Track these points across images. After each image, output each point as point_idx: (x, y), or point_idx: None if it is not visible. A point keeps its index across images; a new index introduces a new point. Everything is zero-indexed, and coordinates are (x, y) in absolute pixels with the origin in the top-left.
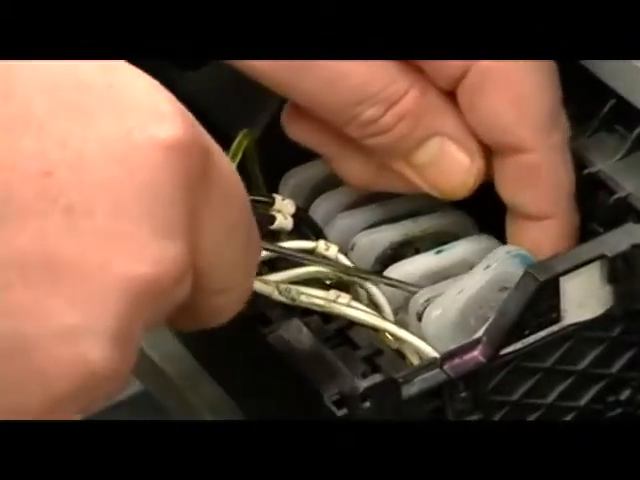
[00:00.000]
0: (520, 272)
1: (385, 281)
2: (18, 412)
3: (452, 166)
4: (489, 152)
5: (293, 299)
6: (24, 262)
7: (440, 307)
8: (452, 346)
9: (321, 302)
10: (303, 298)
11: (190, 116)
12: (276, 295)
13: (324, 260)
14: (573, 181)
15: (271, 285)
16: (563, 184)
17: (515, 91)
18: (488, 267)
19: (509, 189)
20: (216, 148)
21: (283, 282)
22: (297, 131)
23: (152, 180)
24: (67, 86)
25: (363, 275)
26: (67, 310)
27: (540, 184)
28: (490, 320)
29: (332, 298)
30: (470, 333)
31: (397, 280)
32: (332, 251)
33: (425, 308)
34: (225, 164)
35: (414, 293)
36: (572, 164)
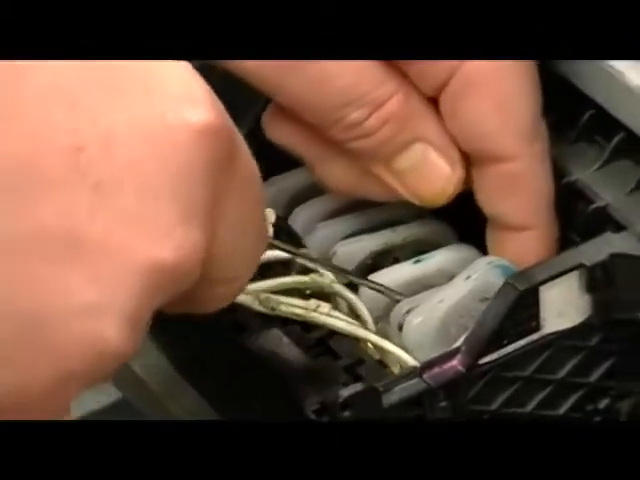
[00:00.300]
0: (501, 282)
1: (370, 285)
2: (25, 385)
3: (433, 173)
4: (469, 161)
5: (273, 308)
6: (47, 235)
7: (421, 315)
8: (433, 355)
9: (301, 311)
10: (283, 307)
11: (220, 104)
12: (256, 305)
13: (316, 263)
14: (553, 191)
15: (251, 295)
16: (544, 194)
17: (498, 98)
18: (469, 277)
19: (490, 198)
20: (240, 138)
21: (263, 291)
22: (279, 133)
23: (182, 163)
24: (100, 63)
25: (351, 278)
26: (87, 287)
27: (521, 193)
28: (470, 329)
29: (312, 307)
30: (451, 342)
31: (382, 285)
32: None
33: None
34: (247, 154)
35: (397, 300)
36: (552, 174)
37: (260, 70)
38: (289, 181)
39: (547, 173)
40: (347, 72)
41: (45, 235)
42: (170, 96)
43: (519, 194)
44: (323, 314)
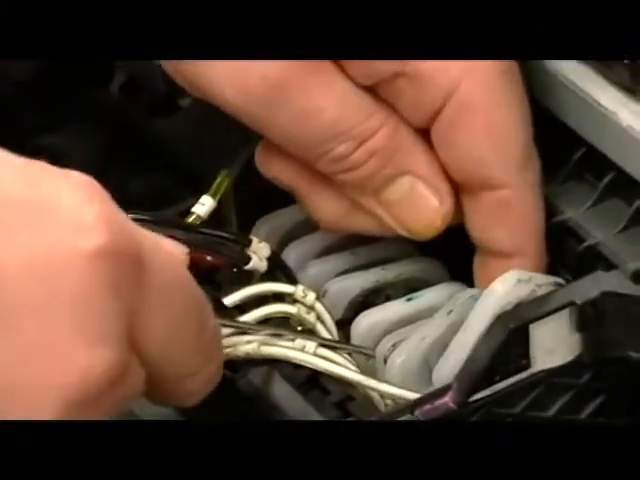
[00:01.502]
0: None
1: (342, 347)
2: None
3: (421, 206)
4: (459, 191)
5: (253, 354)
6: None
7: (404, 353)
8: (417, 391)
9: (282, 352)
10: (264, 350)
11: (119, 223)
12: (239, 352)
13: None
14: (543, 219)
15: (229, 350)
16: (534, 221)
17: (491, 126)
18: (451, 312)
19: (480, 225)
20: (150, 248)
21: (249, 323)
22: (270, 168)
23: (79, 291)
24: None
25: (321, 341)
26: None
27: (512, 220)
28: (448, 371)
29: (298, 348)
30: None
31: (354, 345)
32: (310, 298)
33: (391, 353)
34: (162, 263)
35: (370, 355)
36: (543, 202)
37: (247, 107)
38: (282, 219)
39: (538, 201)
40: (333, 105)
41: None
42: (60, 227)
43: (510, 221)
44: (309, 354)
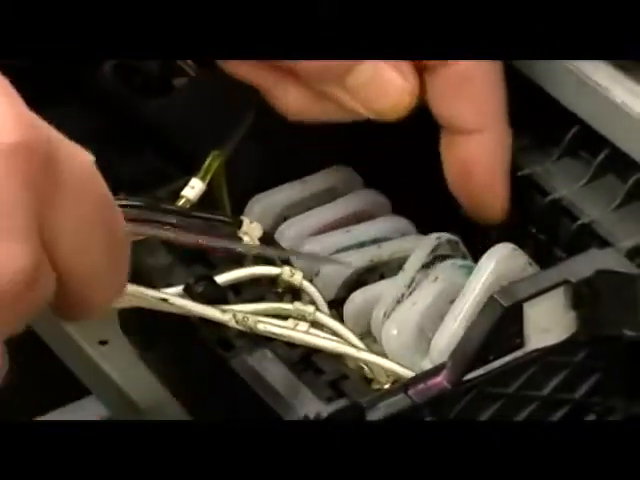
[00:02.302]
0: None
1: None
2: None
3: (386, 86)
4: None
5: (251, 328)
6: None
7: (396, 325)
8: (416, 361)
9: (279, 330)
10: (260, 326)
11: (29, 119)
12: (233, 324)
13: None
14: (505, 96)
15: (228, 313)
16: (495, 97)
17: None
18: (436, 279)
19: (441, 101)
20: (64, 148)
21: (242, 312)
22: (233, 66)
23: None
24: None
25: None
26: None
27: (470, 95)
28: (447, 340)
29: (291, 326)
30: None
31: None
32: (297, 277)
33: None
34: (74, 163)
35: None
36: (501, 77)
37: None
38: (275, 198)
39: (500, 76)
40: None
41: None
42: None
43: (469, 96)
44: (301, 332)
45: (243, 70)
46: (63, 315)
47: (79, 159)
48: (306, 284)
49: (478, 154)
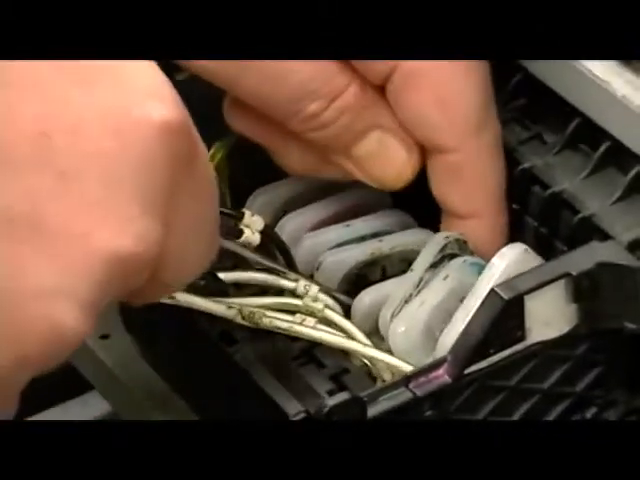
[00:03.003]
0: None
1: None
2: None
3: (390, 158)
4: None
5: (257, 323)
6: (11, 217)
7: (404, 323)
8: (423, 359)
9: (286, 325)
10: (266, 321)
11: (182, 104)
12: (239, 319)
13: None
14: (503, 180)
15: (234, 309)
16: (488, 185)
17: (438, 92)
18: (447, 277)
19: (436, 186)
20: (199, 139)
21: (248, 306)
22: (238, 123)
23: (145, 156)
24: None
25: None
26: (47, 271)
27: (464, 184)
28: (455, 338)
29: (298, 321)
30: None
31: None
32: (313, 291)
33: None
34: (206, 158)
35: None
36: (503, 165)
37: (218, 69)
38: (276, 191)
39: (495, 164)
40: (303, 67)
41: (9, 215)
42: (136, 92)
43: (462, 185)
44: (308, 327)
45: (247, 128)
46: (135, 298)
47: (207, 158)
48: (322, 296)
49: (472, 239)
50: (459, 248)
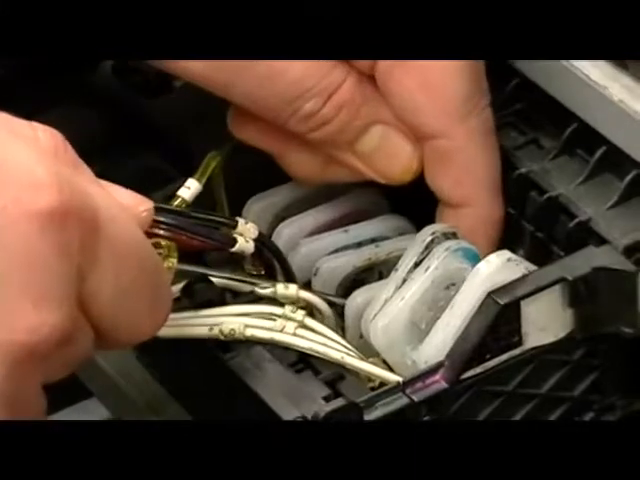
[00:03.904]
0: (465, 265)
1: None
2: None
3: (396, 152)
4: None
5: (238, 339)
6: None
7: (386, 317)
8: (407, 352)
9: (266, 336)
10: (248, 335)
11: (73, 182)
12: (222, 338)
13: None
14: (495, 169)
15: (215, 329)
16: (480, 172)
17: (424, 77)
18: (428, 268)
19: (428, 174)
20: (106, 209)
21: (233, 315)
22: (242, 132)
23: (28, 252)
24: None
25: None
26: None
27: (453, 171)
28: (452, 344)
29: (278, 329)
30: (423, 336)
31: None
32: (292, 289)
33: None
34: (117, 225)
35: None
36: (495, 153)
37: (210, 74)
38: (273, 198)
39: (486, 150)
40: (295, 66)
41: None
42: (12, 188)
43: (453, 170)
44: (288, 335)
45: (250, 135)
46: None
47: (120, 223)
48: (302, 293)
49: (464, 228)
50: (446, 239)
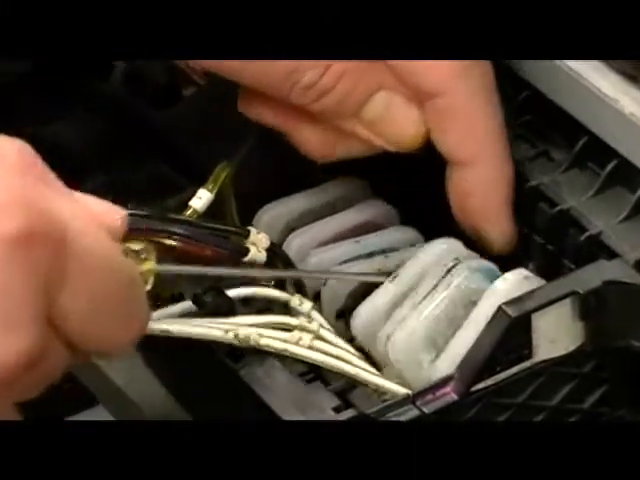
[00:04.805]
0: (484, 286)
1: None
2: None
3: (403, 117)
4: None
5: (254, 344)
6: None
7: (405, 332)
8: (424, 367)
9: (281, 346)
10: (263, 343)
11: (38, 201)
12: (236, 343)
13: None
14: (499, 126)
15: (230, 332)
16: (483, 127)
17: None
18: (449, 285)
19: (434, 134)
20: (76, 227)
21: (247, 325)
22: (252, 111)
23: None
24: None
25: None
26: None
27: (457, 127)
28: (458, 359)
29: (294, 341)
30: (440, 353)
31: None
32: (306, 306)
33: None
34: (88, 243)
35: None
36: (499, 110)
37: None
38: (283, 208)
39: (488, 108)
40: None
41: None
42: None
43: (456, 128)
44: (304, 348)
45: (260, 113)
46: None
47: (90, 236)
48: (315, 314)
49: (472, 186)
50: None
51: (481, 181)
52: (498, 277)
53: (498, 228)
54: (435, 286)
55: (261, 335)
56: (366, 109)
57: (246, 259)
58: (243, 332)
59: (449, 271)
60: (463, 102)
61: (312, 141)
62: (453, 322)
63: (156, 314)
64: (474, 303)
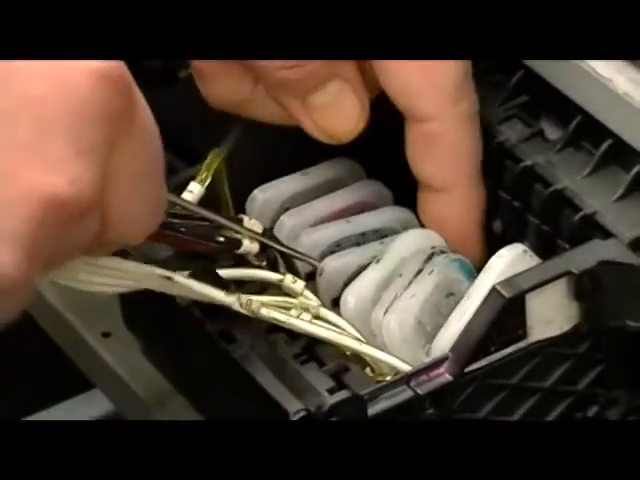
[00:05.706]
0: (460, 277)
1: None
2: None
3: (344, 111)
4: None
5: (253, 312)
6: None
7: (396, 316)
8: (415, 352)
9: (282, 317)
10: (264, 312)
11: (125, 70)
12: (237, 306)
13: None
14: (479, 154)
15: (232, 296)
16: (465, 157)
17: (421, 60)
18: (432, 272)
19: (412, 157)
20: (141, 99)
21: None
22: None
23: (80, 102)
24: None
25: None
26: None
27: (440, 154)
28: (451, 340)
29: (294, 315)
30: (429, 339)
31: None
32: (299, 285)
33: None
34: (147, 114)
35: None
36: (479, 137)
37: None
38: (277, 190)
39: (472, 136)
40: None
41: None
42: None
43: (438, 154)
44: (305, 321)
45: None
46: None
47: (150, 115)
48: (307, 293)
49: (446, 213)
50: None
51: (455, 207)
52: (472, 272)
53: (471, 252)
54: (418, 271)
55: (262, 305)
56: (317, 93)
57: (239, 251)
58: (246, 297)
59: (429, 259)
60: (449, 130)
61: (220, 94)
62: (437, 310)
63: None
64: (453, 295)
